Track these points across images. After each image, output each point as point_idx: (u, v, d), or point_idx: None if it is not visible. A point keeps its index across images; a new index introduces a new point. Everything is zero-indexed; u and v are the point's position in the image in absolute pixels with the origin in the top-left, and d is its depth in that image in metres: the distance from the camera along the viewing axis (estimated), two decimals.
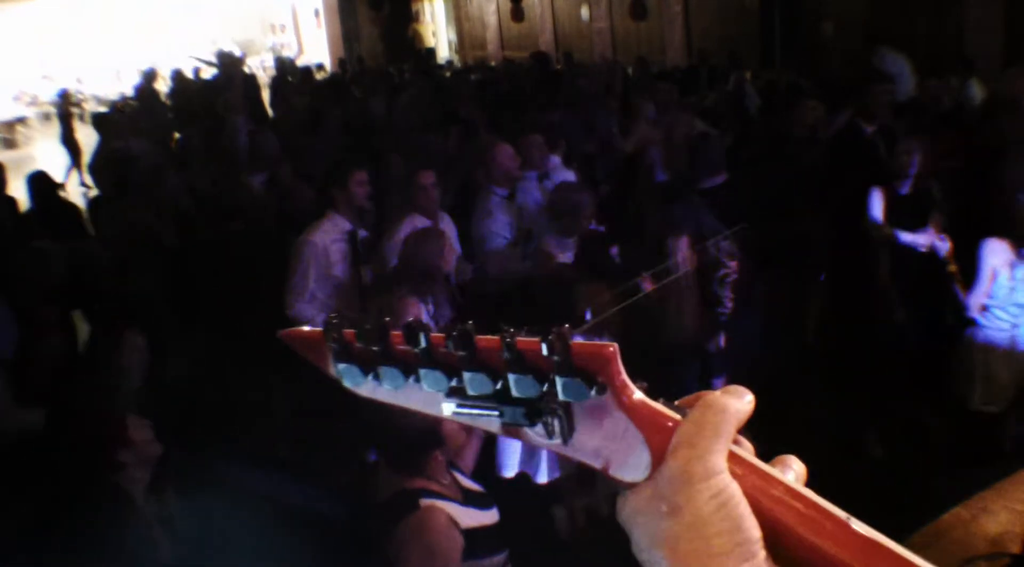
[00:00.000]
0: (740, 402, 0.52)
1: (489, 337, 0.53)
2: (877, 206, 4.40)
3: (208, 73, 13.22)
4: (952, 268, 4.13)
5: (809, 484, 0.54)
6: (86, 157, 12.17)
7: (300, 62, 17.77)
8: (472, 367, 0.52)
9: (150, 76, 12.37)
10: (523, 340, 0.51)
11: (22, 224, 6.08)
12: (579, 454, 0.53)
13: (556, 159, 5.42)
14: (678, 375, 4.13)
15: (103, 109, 13.41)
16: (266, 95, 12.02)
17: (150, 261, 4.95)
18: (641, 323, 3.99)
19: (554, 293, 3.90)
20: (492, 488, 2.74)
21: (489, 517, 2.53)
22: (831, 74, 9.04)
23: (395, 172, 5.25)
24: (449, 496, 2.42)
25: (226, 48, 17.05)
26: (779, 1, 11.70)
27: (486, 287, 4.41)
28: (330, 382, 0.58)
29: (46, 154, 14.42)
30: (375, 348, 0.55)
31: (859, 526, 0.48)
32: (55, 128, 15.82)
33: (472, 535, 2.39)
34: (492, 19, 19.07)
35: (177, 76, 12.24)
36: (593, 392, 0.51)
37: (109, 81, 21.75)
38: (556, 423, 0.52)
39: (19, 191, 6.87)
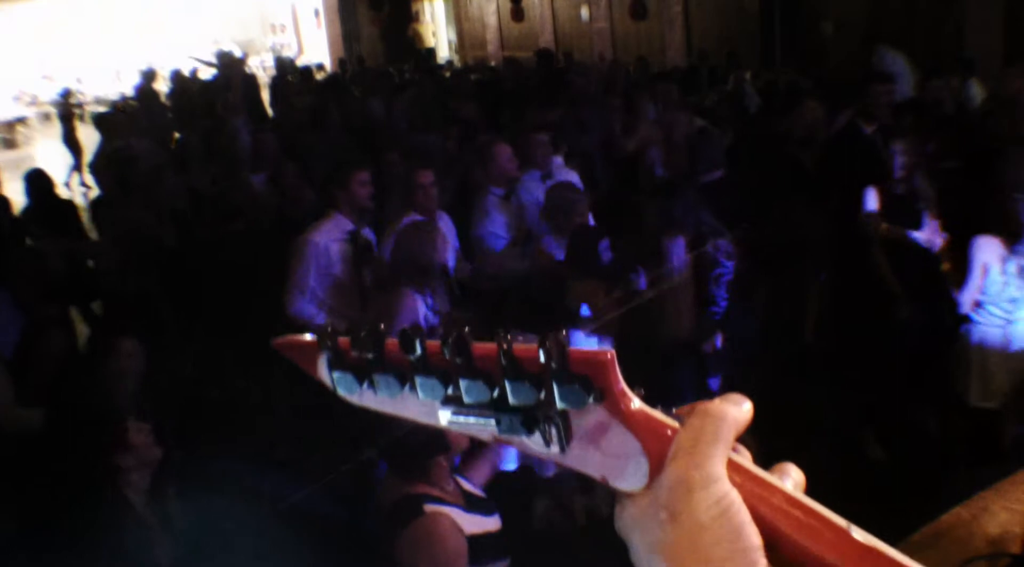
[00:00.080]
0: (738, 410, 0.52)
1: (486, 344, 0.52)
2: (872, 205, 4.41)
3: (206, 73, 13.23)
4: (946, 266, 4.14)
5: (809, 484, 0.54)
6: (87, 157, 12.19)
7: (300, 62, 17.76)
8: (468, 374, 0.52)
9: (150, 76, 12.37)
10: (520, 347, 0.51)
11: (18, 223, 6.09)
12: (577, 463, 0.53)
13: (558, 159, 5.42)
14: (674, 375, 4.13)
15: (103, 109, 13.41)
16: (266, 95, 12.02)
17: (150, 261, 4.95)
18: (637, 322, 3.99)
19: (546, 290, 3.90)
20: (493, 490, 2.73)
21: (492, 524, 2.52)
22: (831, 74, 9.04)
23: (395, 172, 5.25)
24: (453, 502, 2.41)
25: (226, 48, 17.05)
26: (779, 1, 11.70)
27: (484, 285, 4.41)
28: (325, 390, 0.58)
29: (46, 154, 14.41)
30: (370, 356, 0.54)
31: (859, 534, 0.48)
32: (55, 128, 15.81)
33: (475, 541, 2.39)
34: (492, 19, 19.06)
35: (177, 76, 12.24)
36: (591, 399, 0.50)
37: (109, 81, 21.74)
38: (553, 431, 0.51)
39: (19, 191, 6.88)
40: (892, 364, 4.44)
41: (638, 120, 6.80)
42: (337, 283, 4.20)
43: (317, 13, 23.20)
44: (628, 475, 0.51)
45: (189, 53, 15.55)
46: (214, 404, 4.76)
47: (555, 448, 0.52)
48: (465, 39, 20.43)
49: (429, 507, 2.34)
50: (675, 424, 0.51)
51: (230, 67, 12.40)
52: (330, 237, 4.19)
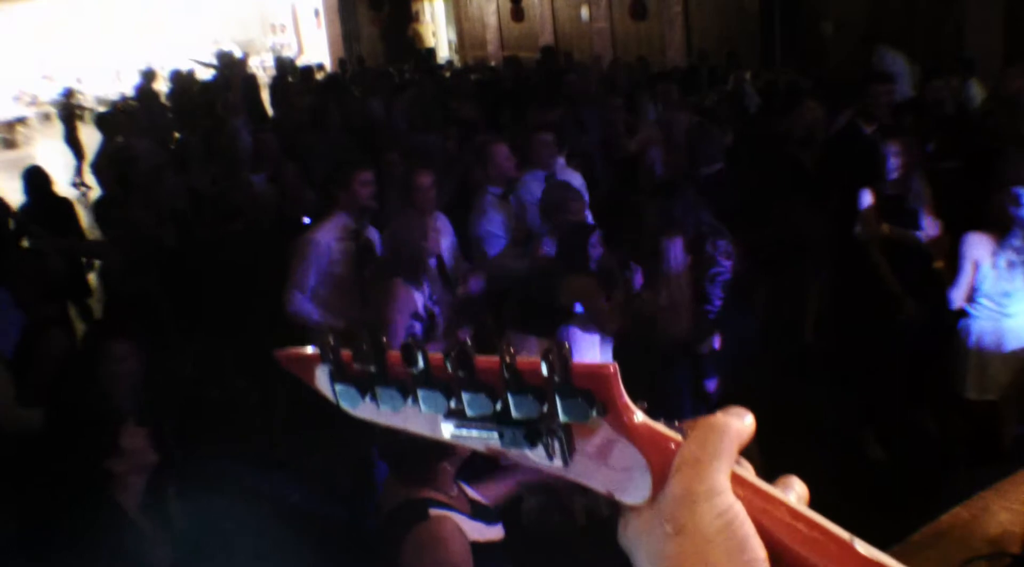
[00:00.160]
0: (741, 423, 0.52)
1: (488, 357, 0.52)
2: (867, 207, 4.42)
3: (204, 73, 13.23)
4: (939, 264, 4.15)
5: (809, 484, 0.54)
6: (88, 157, 12.21)
7: (300, 62, 17.76)
8: (471, 387, 0.52)
9: (149, 76, 12.37)
10: (523, 360, 0.51)
11: (18, 221, 6.10)
12: (579, 476, 0.53)
13: (560, 160, 5.43)
14: (670, 375, 4.12)
15: (103, 109, 13.42)
16: (266, 95, 12.02)
17: (150, 261, 4.95)
18: (634, 322, 4.00)
19: (540, 289, 3.90)
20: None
21: (494, 532, 2.52)
22: (831, 74, 9.04)
23: (394, 172, 5.25)
24: (457, 507, 2.41)
25: (226, 48, 17.05)
26: (779, 1, 11.70)
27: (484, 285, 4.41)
28: (327, 403, 0.58)
29: (46, 154, 14.42)
30: (372, 369, 0.54)
31: (863, 547, 0.48)
32: (55, 128, 15.82)
33: (477, 549, 2.39)
34: (492, 19, 19.07)
35: (176, 76, 12.24)
36: (594, 413, 0.50)
37: (109, 81, 21.76)
38: (556, 444, 0.51)
39: (19, 192, 6.89)
40: (892, 364, 4.44)
41: (640, 120, 6.80)
42: (338, 282, 4.20)
43: (317, 13, 23.21)
44: (631, 488, 0.51)
45: (189, 54, 15.55)
46: (214, 404, 4.77)
47: (558, 461, 0.52)
48: (465, 39, 20.45)
49: (434, 511, 2.33)
50: (678, 437, 0.51)
51: (230, 67, 12.41)
52: (332, 236, 4.19)
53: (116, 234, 5.47)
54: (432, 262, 4.09)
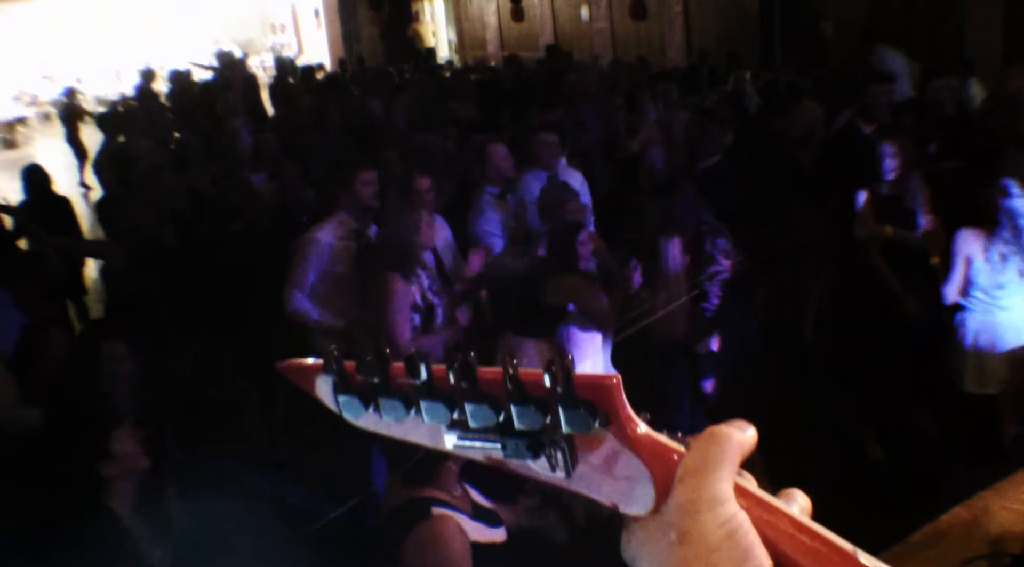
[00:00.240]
0: (743, 434, 0.52)
1: (491, 368, 0.52)
2: (864, 208, 4.42)
3: (202, 75, 13.22)
4: (935, 260, 4.16)
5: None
6: (89, 157, 12.21)
7: (300, 62, 17.76)
8: (474, 399, 0.52)
9: (148, 76, 12.37)
10: (525, 371, 0.51)
11: (17, 221, 6.10)
12: (583, 487, 0.53)
13: (562, 160, 5.43)
14: (667, 375, 4.12)
15: (103, 109, 13.42)
16: (266, 95, 12.02)
17: (150, 261, 4.95)
18: (630, 321, 4.00)
19: (532, 289, 3.90)
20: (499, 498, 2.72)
21: (497, 535, 2.52)
22: (831, 74, 9.04)
23: (393, 172, 5.25)
24: (458, 507, 2.41)
25: (226, 48, 17.05)
26: (779, 1, 11.70)
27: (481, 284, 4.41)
28: (328, 417, 0.58)
29: (46, 154, 14.43)
30: (375, 380, 0.55)
31: (865, 558, 0.48)
32: (55, 128, 15.82)
33: (479, 549, 2.39)
34: (492, 19, 19.07)
35: (176, 77, 12.24)
36: (596, 424, 0.50)
37: (109, 81, 21.75)
38: (559, 456, 0.52)
39: (19, 192, 6.89)
40: (892, 364, 4.44)
41: (641, 120, 6.81)
42: (338, 282, 4.20)
43: (317, 13, 23.20)
44: (634, 499, 0.51)
45: (189, 56, 15.54)
46: (214, 404, 4.77)
47: (560, 472, 0.52)
48: (465, 39, 20.44)
49: (436, 510, 2.34)
50: (681, 448, 0.52)
51: (230, 67, 12.41)
52: (334, 235, 4.20)
53: (117, 234, 5.47)
54: (429, 258, 4.09)
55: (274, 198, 5.53)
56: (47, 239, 5.53)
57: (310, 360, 0.59)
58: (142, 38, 23.71)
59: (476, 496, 2.56)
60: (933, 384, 4.41)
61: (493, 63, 16.16)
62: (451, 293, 4.06)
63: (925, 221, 4.34)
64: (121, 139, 8.36)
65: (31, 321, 4.04)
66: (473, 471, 2.52)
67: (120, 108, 11.62)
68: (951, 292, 3.98)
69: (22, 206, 6.41)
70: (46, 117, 20.95)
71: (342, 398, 0.56)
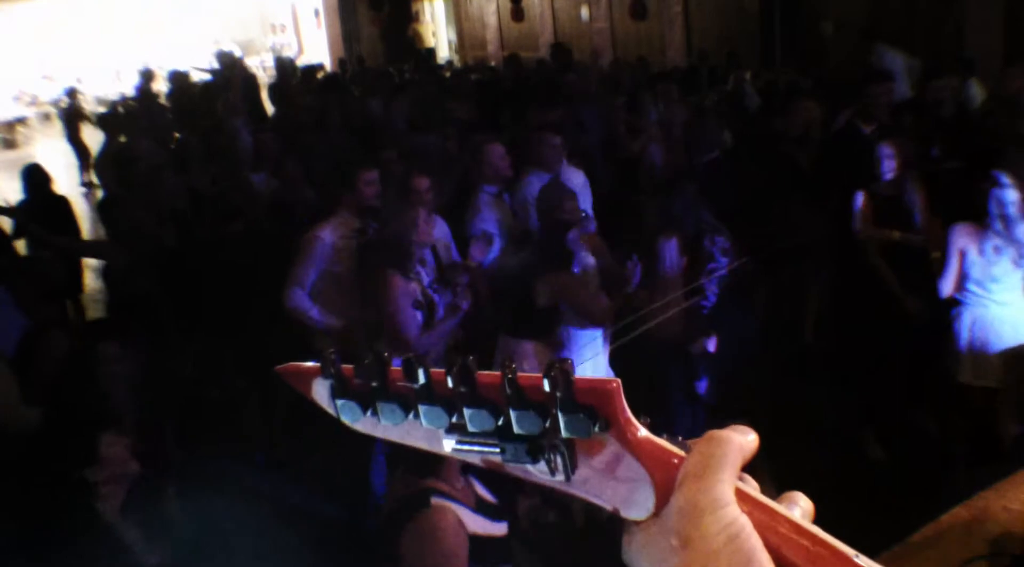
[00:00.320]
0: (744, 438, 0.52)
1: (490, 372, 0.52)
2: (861, 209, 4.42)
3: (201, 77, 13.21)
4: (936, 255, 4.18)
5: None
6: (90, 157, 12.22)
7: (300, 62, 17.76)
8: (473, 403, 0.52)
9: (147, 76, 12.37)
10: (524, 376, 0.51)
11: (17, 222, 6.11)
12: (582, 491, 0.53)
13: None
14: (662, 375, 4.12)
15: (103, 109, 13.42)
16: (266, 95, 12.01)
17: (150, 261, 4.95)
18: (631, 325, 4.00)
19: (522, 288, 3.90)
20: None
21: (498, 529, 2.53)
22: (831, 74, 9.04)
23: (394, 171, 5.25)
24: (459, 499, 2.42)
25: (226, 48, 17.04)
26: (779, 1, 11.70)
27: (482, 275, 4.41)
28: (328, 417, 0.58)
29: (46, 154, 14.43)
30: (374, 384, 0.54)
31: (866, 563, 0.48)
32: (55, 128, 15.81)
33: (478, 542, 2.40)
34: (492, 19, 19.06)
35: (175, 77, 12.23)
36: (596, 428, 0.50)
37: (109, 81, 21.75)
38: (559, 460, 0.51)
39: (18, 192, 6.89)
40: (892, 364, 4.44)
41: (643, 120, 6.80)
42: (340, 281, 4.21)
43: (317, 13, 23.20)
44: (635, 503, 0.51)
45: (189, 59, 15.53)
46: (214, 404, 4.76)
47: (560, 476, 0.52)
48: (465, 39, 20.44)
49: (436, 501, 2.36)
50: (681, 452, 0.51)
51: (230, 67, 12.40)
52: (336, 235, 4.21)
53: (118, 234, 5.48)
54: (429, 256, 4.09)
55: (274, 197, 5.53)
56: (47, 239, 5.53)
57: (308, 363, 0.59)
58: (142, 38, 23.70)
59: (480, 489, 2.56)
60: (933, 383, 4.41)
61: (493, 63, 16.15)
62: (454, 282, 4.04)
63: (923, 220, 4.35)
64: (122, 139, 8.36)
65: (31, 322, 4.04)
66: (478, 465, 2.52)
67: (120, 108, 11.62)
68: (946, 286, 4.01)
69: (22, 206, 6.41)
70: (46, 117, 20.95)
71: (340, 402, 0.56)
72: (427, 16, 21.70)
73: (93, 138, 12.71)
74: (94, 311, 6.91)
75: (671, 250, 3.97)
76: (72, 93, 14.77)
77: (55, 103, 20.21)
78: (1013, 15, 8.93)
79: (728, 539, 0.47)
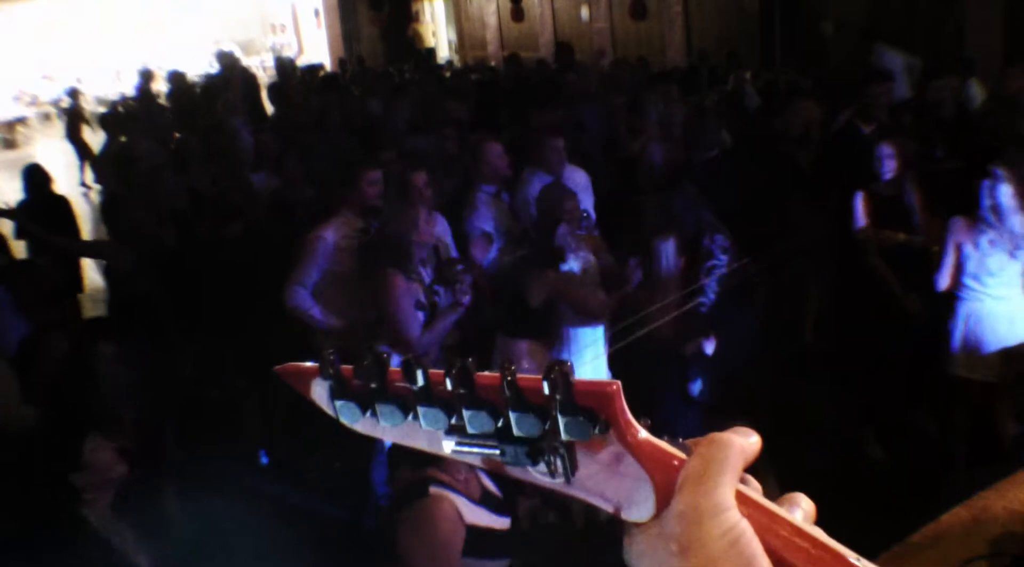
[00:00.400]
0: (746, 440, 0.51)
1: (489, 374, 0.52)
2: (861, 209, 4.42)
3: (199, 76, 13.21)
4: (935, 248, 4.19)
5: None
6: (90, 157, 12.21)
7: (300, 62, 17.75)
8: (472, 405, 0.51)
9: (147, 76, 12.37)
10: (524, 377, 0.51)
11: (18, 223, 6.11)
12: (582, 493, 0.52)
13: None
14: (655, 376, 4.10)
15: (103, 109, 13.42)
16: (266, 95, 12.00)
17: (151, 261, 4.95)
18: (620, 318, 4.00)
19: (515, 287, 3.90)
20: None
21: (499, 523, 2.53)
22: (831, 74, 9.04)
23: (394, 171, 5.25)
24: (460, 490, 2.43)
25: (226, 48, 17.03)
26: (779, 1, 11.70)
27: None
28: (328, 417, 0.57)
29: (46, 154, 14.43)
30: (373, 385, 0.54)
31: (866, 566, 0.48)
32: (55, 128, 15.80)
33: (477, 533, 2.40)
34: (492, 19, 19.06)
35: (174, 77, 12.23)
36: (596, 431, 0.50)
37: (109, 81, 21.75)
38: (558, 462, 0.51)
39: (19, 191, 6.89)
40: (892, 364, 4.44)
41: (644, 121, 6.79)
42: (341, 281, 4.20)
43: (317, 13, 23.19)
44: (635, 505, 0.51)
45: (190, 59, 15.51)
46: (214, 404, 4.76)
47: (560, 479, 0.52)
48: (465, 39, 20.43)
49: (434, 490, 2.37)
50: (681, 455, 0.51)
51: (230, 67, 12.39)
52: (339, 234, 4.21)
53: (119, 234, 5.48)
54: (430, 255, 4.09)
55: (274, 196, 5.52)
56: (47, 239, 5.53)
57: (307, 364, 0.59)
58: (142, 38, 23.70)
59: (487, 482, 2.56)
60: (932, 382, 4.41)
61: (493, 63, 16.15)
62: (454, 280, 4.03)
63: (922, 219, 4.35)
64: (123, 139, 8.36)
65: (32, 324, 4.04)
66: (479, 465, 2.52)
67: (120, 108, 11.62)
68: (943, 279, 4.04)
69: (21, 205, 6.41)
70: (46, 117, 20.95)
71: (339, 403, 0.55)
72: (427, 16, 21.70)
73: (93, 138, 12.72)
74: (94, 311, 6.91)
75: (668, 250, 3.96)
76: (74, 93, 14.77)
77: (55, 103, 20.23)
78: (1013, 15, 8.93)
79: (728, 544, 0.47)
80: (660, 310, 3.85)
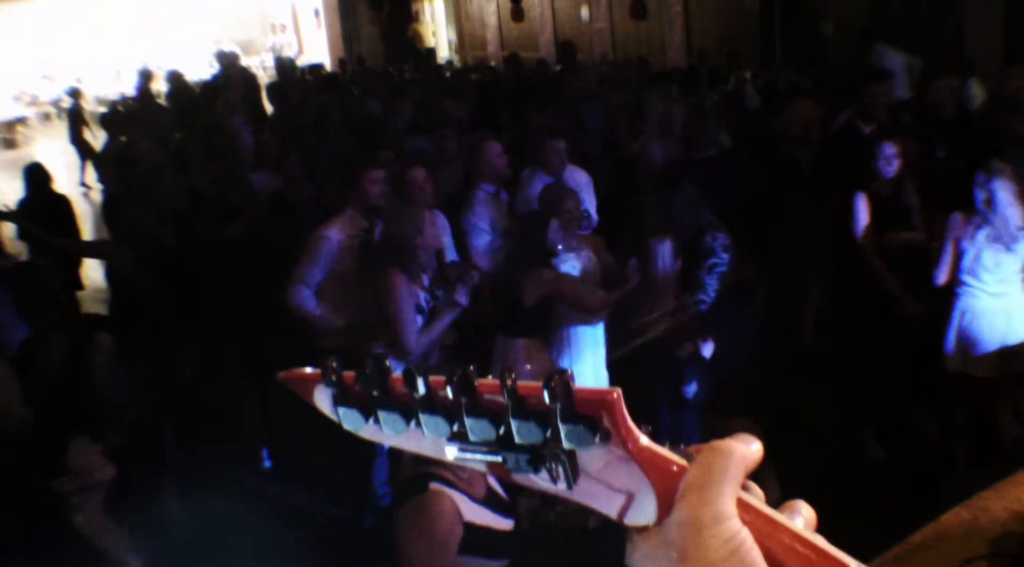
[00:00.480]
0: (747, 448, 0.51)
1: (490, 381, 0.52)
2: (861, 210, 4.43)
3: (197, 76, 13.20)
4: (934, 245, 4.20)
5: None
6: (90, 158, 12.21)
7: (300, 62, 17.75)
8: (473, 413, 0.52)
9: (146, 76, 12.36)
10: (524, 385, 0.51)
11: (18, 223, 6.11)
12: (584, 499, 0.52)
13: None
14: (650, 377, 4.10)
15: (103, 109, 13.42)
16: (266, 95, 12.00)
17: (151, 261, 4.95)
18: (617, 319, 3.99)
19: (509, 286, 3.89)
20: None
21: (501, 523, 2.53)
22: (831, 74, 9.04)
23: (390, 170, 5.25)
24: (462, 488, 2.42)
25: (226, 48, 17.03)
26: (779, 1, 11.70)
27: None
28: (327, 419, 0.58)
29: (46, 154, 14.43)
30: (375, 392, 0.54)
31: None
32: (55, 128, 15.81)
33: (478, 533, 2.40)
34: (492, 19, 19.06)
35: (173, 77, 12.23)
36: (597, 439, 0.50)
37: (109, 81, 21.75)
38: (560, 469, 0.51)
39: (19, 191, 6.89)
40: (892, 364, 4.44)
41: (644, 121, 6.80)
42: (344, 280, 4.20)
43: (317, 13, 23.20)
44: (637, 512, 0.51)
45: (190, 60, 15.50)
46: (214, 404, 4.76)
47: (562, 485, 0.52)
48: (465, 39, 20.43)
49: (434, 486, 2.36)
50: (683, 462, 0.51)
51: (230, 67, 12.39)
52: (343, 234, 4.21)
53: (120, 234, 5.48)
54: (432, 259, 4.08)
55: (275, 195, 5.52)
56: (47, 240, 5.53)
57: (309, 370, 0.59)
58: (142, 38, 23.71)
59: (492, 483, 2.56)
60: (932, 382, 4.41)
61: (493, 63, 16.15)
62: (455, 279, 4.03)
63: (922, 220, 4.36)
64: (124, 139, 8.35)
65: (33, 327, 4.04)
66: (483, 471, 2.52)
67: (120, 108, 11.62)
68: (941, 274, 4.06)
69: (21, 204, 6.41)
70: (46, 117, 20.95)
71: (342, 410, 0.56)
72: (427, 16, 21.70)
73: (94, 138, 12.71)
74: (94, 310, 6.90)
75: (665, 251, 3.95)
76: (75, 93, 14.77)
77: (55, 103, 20.24)
78: (1013, 15, 8.93)
79: (729, 554, 0.47)
80: (659, 316, 3.85)
